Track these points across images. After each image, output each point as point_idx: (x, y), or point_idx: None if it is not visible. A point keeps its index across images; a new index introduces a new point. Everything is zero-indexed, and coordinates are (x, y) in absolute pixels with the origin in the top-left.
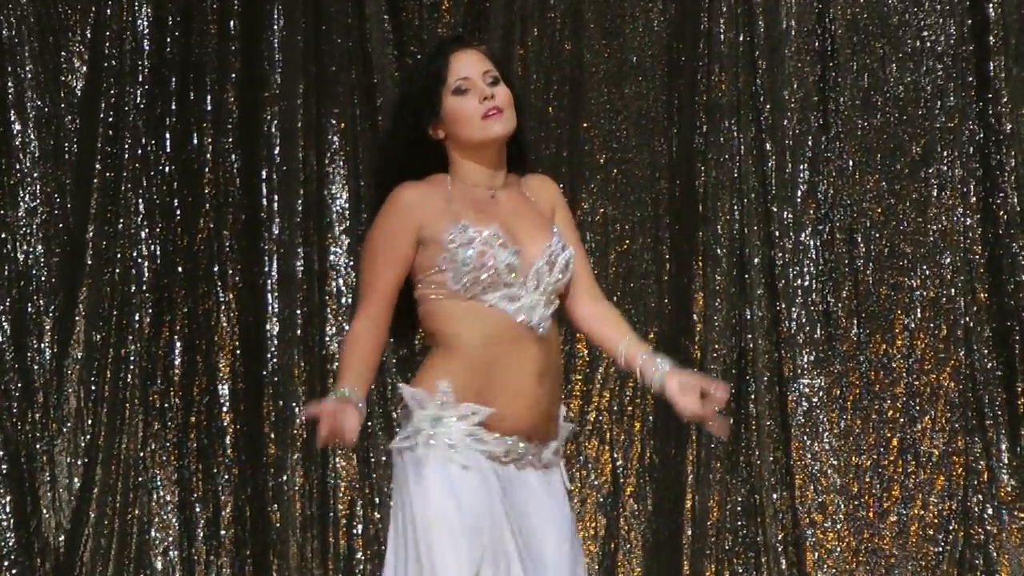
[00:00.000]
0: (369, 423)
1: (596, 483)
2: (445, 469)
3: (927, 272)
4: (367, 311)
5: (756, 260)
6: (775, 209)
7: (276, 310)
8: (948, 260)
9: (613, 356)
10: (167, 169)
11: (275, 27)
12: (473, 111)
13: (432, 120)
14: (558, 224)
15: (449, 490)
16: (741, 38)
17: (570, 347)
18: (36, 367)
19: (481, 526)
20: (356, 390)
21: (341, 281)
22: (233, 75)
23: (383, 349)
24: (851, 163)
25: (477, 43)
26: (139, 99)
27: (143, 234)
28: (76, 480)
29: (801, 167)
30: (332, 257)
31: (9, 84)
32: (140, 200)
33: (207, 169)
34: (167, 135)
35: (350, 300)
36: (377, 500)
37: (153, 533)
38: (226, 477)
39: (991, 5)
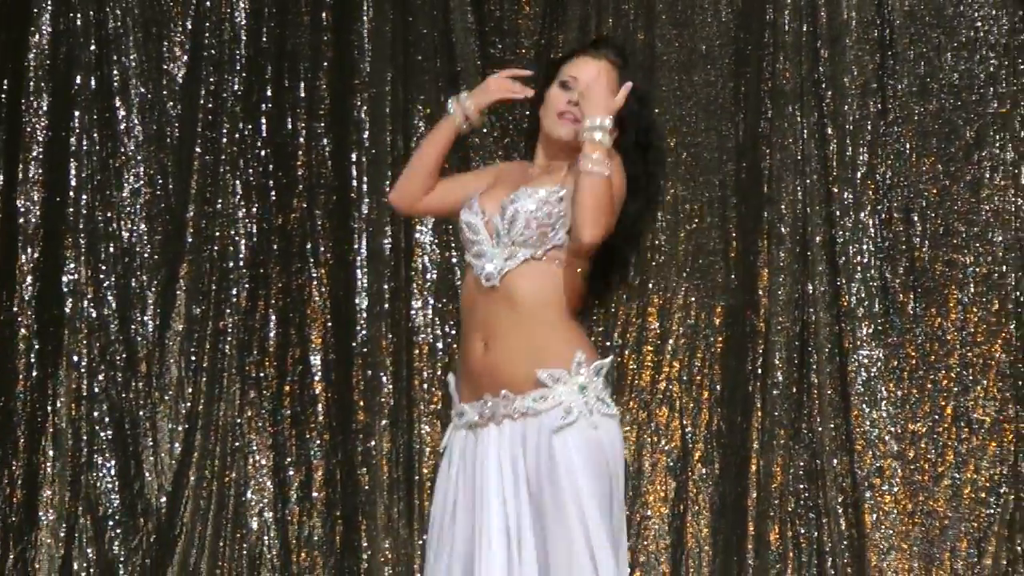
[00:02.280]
0: None
1: (666, 448)
2: (443, 466)
3: (979, 249)
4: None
5: (818, 238)
6: (836, 190)
7: (365, 285)
8: (1000, 238)
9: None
10: (263, 152)
11: (365, 18)
12: (556, 105)
13: (539, 100)
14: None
15: (438, 478)
16: (804, 28)
17: (641, 320)
18: (139, 339)
19: (454, 505)
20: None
21: (426, 258)
22: (325, 63)
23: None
24: (908, 146)
25: (616, 58)
26: (236, 86)
27: (240, 213)
28: (177, 445)
29: (861, 150)
30: (418, 235)
31: (115, 72)
32: (237, 181)
33: (300, 152)
34: (263, 120)
35: (435, 276)
36: None
37: (249, 495)
38: (318, 442)
39: None
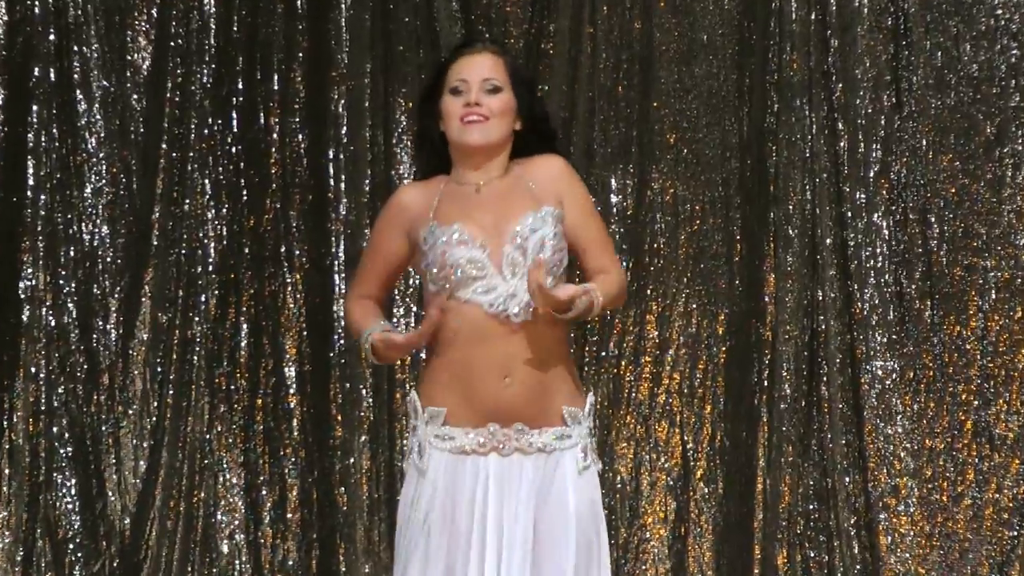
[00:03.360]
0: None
1: (666, 466)
2: (411, 477)
3: (1001, 253)
4: (355, 290)
5: (828, 241)
6: (847, 189)
7: (343, 291)
8: (1023, 241)
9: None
10: (234, 149)
11: (342, 6)
12: (455, 112)
13: (435, 114)
14: (565, 202)
15: (411, 497)
16: (813, 16)
17: (639, 329)
18: (102, 349)
19: (434, 527)
20: (380, 323)
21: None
22: (300, 54)
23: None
24: (924, 143)
25: (495, 47)
26: (206, 79)
27: (209, 215)
28: (142, 463)
29: (874, 147)
30: None
31: (75, 63)
32: (206, 180)
33: (274, 149)
34: (234, 115)
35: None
36: None
37: (219, 516)
38: (293, 460)
39: None
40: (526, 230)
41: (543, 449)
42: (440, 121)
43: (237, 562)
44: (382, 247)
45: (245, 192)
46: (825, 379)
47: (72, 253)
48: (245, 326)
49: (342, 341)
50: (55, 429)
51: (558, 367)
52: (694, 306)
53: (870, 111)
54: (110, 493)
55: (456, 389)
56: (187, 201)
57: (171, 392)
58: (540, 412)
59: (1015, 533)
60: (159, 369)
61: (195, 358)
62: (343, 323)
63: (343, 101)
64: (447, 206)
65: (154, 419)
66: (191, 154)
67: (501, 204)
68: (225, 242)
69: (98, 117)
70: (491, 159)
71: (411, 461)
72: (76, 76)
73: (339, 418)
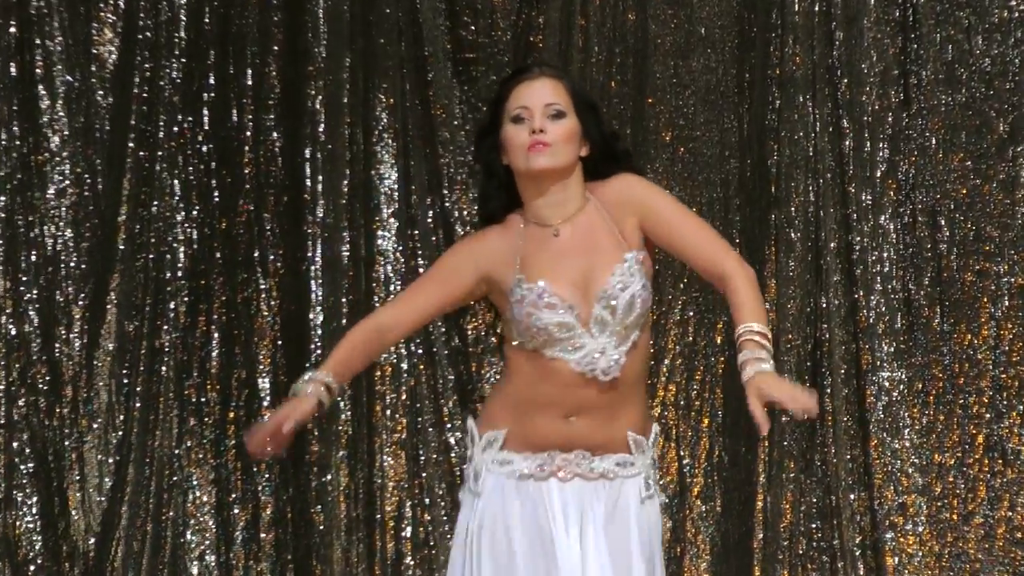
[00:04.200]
0: (419, 418)
1: (661, 482)
2: (466, 504)
3: (1015, 257)
4: (380, 312)
5: (832, 245)
6: (852, 190)
7: (320, 298)
8: None
9: None
10: (205, 148)
11: None
12: (520, 141)
13: (497, 147)
14: (646, 215)
15: (467, 521)
16: (817, 8)
17: None
18: (65, 359)
19: (496, 550)
20: (331, 377)
21: (389, 267)
22: (275, 47)
23: (374, 359)
24: (934, 141)
25: (554, 71)
26: (175, 73)
27: (179, 217)
28: (107, 480)
29: (880, 145)
30: (380, 242)
31: (37, 57)
32: (176, 181)
33: (247, 148)
34: (205, 112)
35: (399, 287)
36: (427, 501)
37: (189, 536)
38: (266, 476)
39: None
40: (615, 289)
41: (605, 475)
42: (504, 154)
43: None
44: (449, 277)
45: (217, 193)
46: (829, 391)
47: (34, 258)
48: (216, 335)
49: (318, 351)
50: (15, 444)
51: (631, 399)
52: (691, 314)
53: (877, 108)
54: (73, 512)
55: (518, 417)
56: (155, 203)
57: (138, 405)
58: (605, 440)
59: None
60: (125, 381)
61: (163, 369)
62: (321, 332)
63: (320, 97)
64: (531, 254)
65: (120, 433)
66: (160, 153)
67: (586, 254)
68: (195, 246)
69: (61, 114)
70: (563, 189)
71: (467, 488)
72: (39, 71)
73: (315, 432)
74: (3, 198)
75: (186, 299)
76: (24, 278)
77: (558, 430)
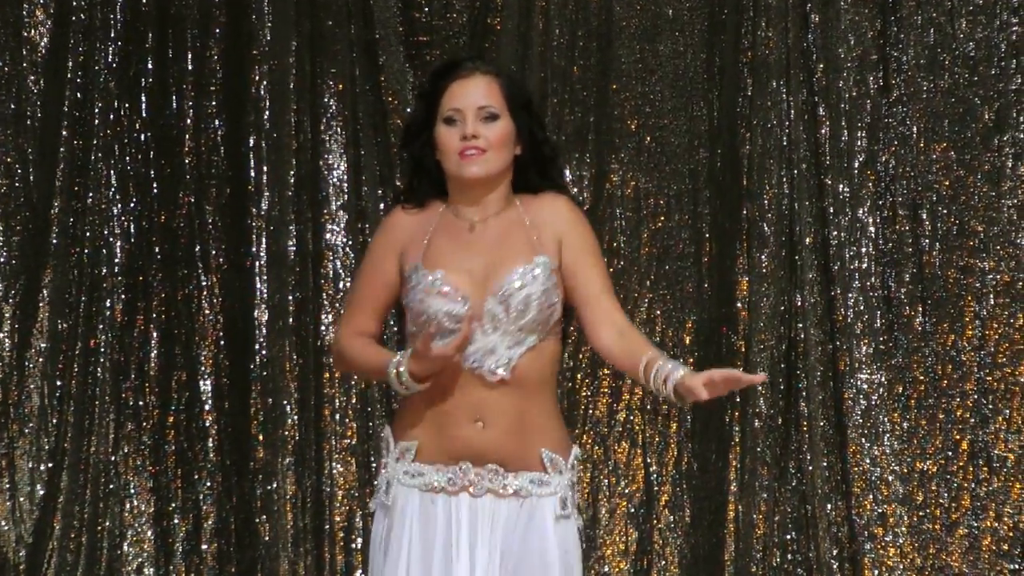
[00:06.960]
0: (371, 423)
1: (627, 491)
2: (378, 517)
3: (1000, 253)
4: (348, 322)
5: (807, 239)
6: (829, 182)
7: (265, 295)
8: None
9: (637, 377)
10: (142, 137)
11: None
12: (453, 146)
13: (430, 143)
14: (564, 245)
15: (381, 536)
16: None
17: None
18: None
19: (398, 565)
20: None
21: (338, 263)
22: (217, 30)
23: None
24: (915, 130)
25: (488, 68)
26: (111, 57)
27: (115, 210)
28: (39, 488)
29: (859, 134)
30: (328, 236)
31: None
32: (112, 172)
33: (187, 137)
34: (142, 98)
35: (348, 284)
36: None
37: (126, 548)
38: (208, 485)
39: None
40: (511, 286)
41: (519, 493)
42: (436, 151)
43: None
44: (376, 273)
45: (155, 185)
46: (804, 394)
47: None
48: (155, 334)
49: (263, 351)
50: None
51: (539, 411)
52: (658, 312)
53: (854, 94)
54: (3, 522)
55: (429, 427)
56: (90, 194)
57: (72, 408)
58: (517, 454)
59: (1015, 566)
60: (59, 383)
61: (99, 370)
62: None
63: (265, 83)
64: (439, 242)
65: (53, 439)
66: (95, 142)
67: (494, 250)
68: (133, 240)
69: None
70: (491, 191)
71: (378, 499)
72: None
73: (260, 438)
74: None
75: (123, 296)
76: None
77: (468, 437)
